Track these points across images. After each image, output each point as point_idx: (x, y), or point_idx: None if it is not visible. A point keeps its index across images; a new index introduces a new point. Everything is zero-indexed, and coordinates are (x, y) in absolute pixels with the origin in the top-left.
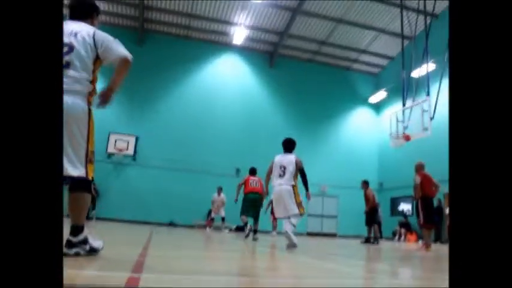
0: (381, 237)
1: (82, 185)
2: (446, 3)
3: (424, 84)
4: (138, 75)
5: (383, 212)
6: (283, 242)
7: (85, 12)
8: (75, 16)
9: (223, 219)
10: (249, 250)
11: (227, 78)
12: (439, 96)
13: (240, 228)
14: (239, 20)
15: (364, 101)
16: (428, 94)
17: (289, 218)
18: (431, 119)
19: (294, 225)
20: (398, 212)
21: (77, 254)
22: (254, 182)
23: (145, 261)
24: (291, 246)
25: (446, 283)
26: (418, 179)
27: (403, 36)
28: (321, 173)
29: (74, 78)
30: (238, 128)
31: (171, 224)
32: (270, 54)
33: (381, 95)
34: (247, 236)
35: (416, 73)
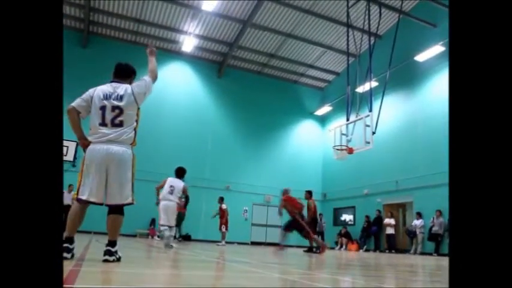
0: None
1: (119, 209)
2: (389, 25)
3: (367, 100)
4: (81, 78)
5: (326, 222)
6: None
7: (126, 75)
8: (117, 76)
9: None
10: (193, 259)
11: (174, 85)
12: (381, 112)
13: (184, 237)
14: (189, 28)
15: (310, 114)
16: (370, 110)
17: (170, 227)
18: (374, 133)
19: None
20: (341, 222)
21: (116, 260)
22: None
23: (79, 271)
24: (168, 246)
25: None
26: (282, 203)
27: (348, 54)
28: (266, 183)
29: (125, 133)
30: (184, 135)
31: None
32: (219, 64)
33: (326, 108)
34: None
35: (360, 89)
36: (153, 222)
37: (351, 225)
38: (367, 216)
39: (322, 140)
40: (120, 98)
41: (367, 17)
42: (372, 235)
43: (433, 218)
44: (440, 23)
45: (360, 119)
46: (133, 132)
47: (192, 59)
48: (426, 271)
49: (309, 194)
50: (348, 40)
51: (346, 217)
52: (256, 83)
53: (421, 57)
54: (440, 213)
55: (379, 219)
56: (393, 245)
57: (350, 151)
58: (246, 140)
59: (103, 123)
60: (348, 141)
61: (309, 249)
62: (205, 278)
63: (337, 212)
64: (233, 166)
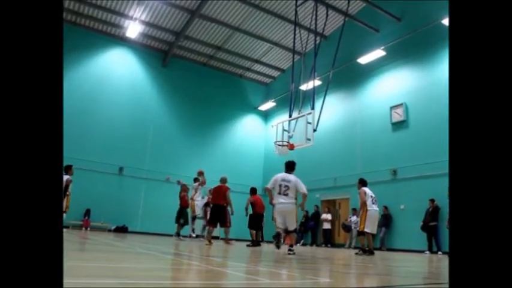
0: (263, 240)
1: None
2: (335, 27)
3: (310, 97)
4: None
5: (266, 216)
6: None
7: (293, 168)
8: (288, 169)
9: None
10: (128, 252)
11: (116, 71)
12: (322, 111)
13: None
14: (135, 14)
15: (254, 109)
16: (313, 108)
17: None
18: (315, 130)
19: None
20: None
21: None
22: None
23: None
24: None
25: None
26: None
27: (294, 52)
28: (207, 176)
29: (290, 198)
30: (124, 124)
31: None
32: (164, 53)
33: (270, 104)
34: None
35: (303, 87)
36: (87, 213)
37: None
38: (305, 211)
39: (265, 135)
40: (289, 181)
41: (314, 16)
42: (309, 230)
43: None
44: (382, 28)
45: (302, 116)
46: (294, 199)
47: (136, 46)
48: (359, 264)
49: (252, 191)
50: (294, 38)
51: None
52: (201, 75)
53: (363, 59)
54: None
55: (316, 215)
56: (329, 240)
57: (291, 147)
58: (188, 132)
59: (279, 193)
60: (290, 137)
61: (254, 243)
62: (139, 270)
63: None
64: (174, 157)
